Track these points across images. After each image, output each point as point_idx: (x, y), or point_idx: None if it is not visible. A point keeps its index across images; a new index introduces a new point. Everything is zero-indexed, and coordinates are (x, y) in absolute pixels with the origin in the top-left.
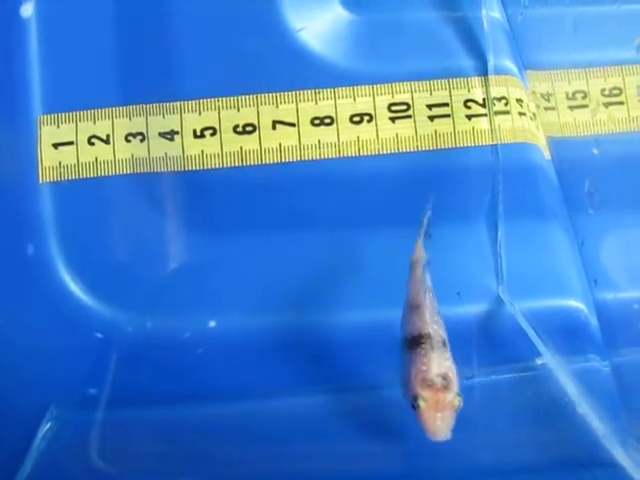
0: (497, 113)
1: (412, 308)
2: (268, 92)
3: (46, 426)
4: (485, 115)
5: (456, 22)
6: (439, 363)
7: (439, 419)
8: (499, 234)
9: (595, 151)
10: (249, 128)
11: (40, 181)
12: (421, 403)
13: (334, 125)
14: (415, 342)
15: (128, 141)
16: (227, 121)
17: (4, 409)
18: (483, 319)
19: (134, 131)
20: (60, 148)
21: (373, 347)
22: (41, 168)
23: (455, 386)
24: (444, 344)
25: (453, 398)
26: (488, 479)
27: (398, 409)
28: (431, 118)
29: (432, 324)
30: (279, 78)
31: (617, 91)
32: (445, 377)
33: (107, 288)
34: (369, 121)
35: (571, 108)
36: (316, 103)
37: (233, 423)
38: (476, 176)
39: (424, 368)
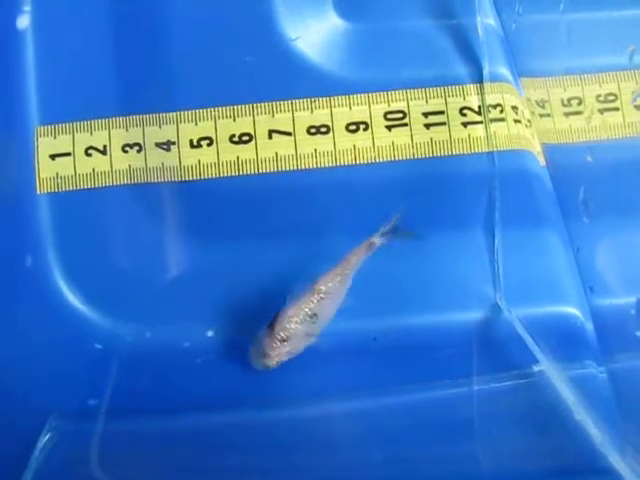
0: (492, 120)
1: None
2: (264, 101)
3: (45, 437)
4: (481, 122)
5: (451, 30)
6: (269, 344)
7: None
8: (496, 241)
9: (589, 159)
10: (245, 137)
11: (38, 192)
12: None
13: (330, 134)
14: (272, 323)
15: (125, 152)
16: (223, 131)
17: (3, 420)
18: (481, 326)
19: (131, 142)
20: (57, 159)
21: (373, 354)
22: (38, 179)
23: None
24: (282, 341)
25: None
26: None
27: (397, 416)
28: (427, 126)
29: (293, 323)
30: (275, 87)
31: (612, 97)
32: (263, 352)
33: (105, 298)
34: (365, 129)
35: (566, 115)
36: (312, 112)
37: (232, 433)
38: (472, 183)
39: (263, 343)
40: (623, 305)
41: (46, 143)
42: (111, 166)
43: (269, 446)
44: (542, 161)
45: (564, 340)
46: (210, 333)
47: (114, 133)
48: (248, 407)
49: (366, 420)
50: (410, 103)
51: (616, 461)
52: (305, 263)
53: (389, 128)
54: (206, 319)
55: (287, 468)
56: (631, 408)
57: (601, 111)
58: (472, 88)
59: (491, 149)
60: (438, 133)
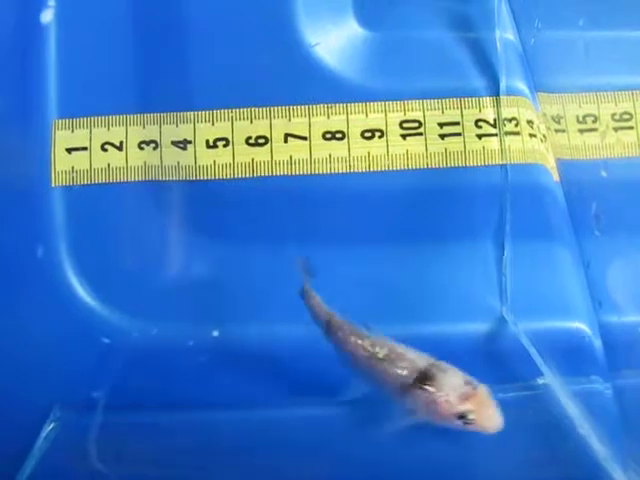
0: (507, 133)
1: (378, 359)
2: (281, 105)
3: (49, 427)
4: (495, 135)
5: (469, 43)
6: (453, 374)
7: (492, 412)
8: (505, 254)
9: (603, 174)
10: (261, 140)
11: (52, 184)
12: (472, 415)
13: (345, 140)
14: (422, 379)
15: (141, 149)
16: (240, 132)
17: (7, 409)
18: (486, 338)
19: (147, 139)
20: (74, 153)
21: None
22: (54, 172)
23: (473, 379)
24: (436, 360)
25: (484, 390)
26: None
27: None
28: (442, 136)
29: (416, 354)
30: (292, 92)
31: (627, 116)
32: (466, 380)
33: (114, 293)
34: (380, 137)
35: (581, 131)
36: (328, 117)
37: (235, 432)
38: (484, 195)
39: (449, 391)
40: (632, 322)
41: (63, 136)
42: (126, 162)
43: (272, 445)
44: (556, 176)
45: (571, 355)
46: (215, 333)
47: (131, 130)
48: (251, 406)
49: (373, 423)
50: (426, 113)
51: (619, 476)
52: (314, 268)
53: (404, 137)
54: (212, 319)
55: (289, 467)
56: (636, 425)
57: (616, 129)
58: (488, 101)
59: (505, 162)
60: (453, 144)
